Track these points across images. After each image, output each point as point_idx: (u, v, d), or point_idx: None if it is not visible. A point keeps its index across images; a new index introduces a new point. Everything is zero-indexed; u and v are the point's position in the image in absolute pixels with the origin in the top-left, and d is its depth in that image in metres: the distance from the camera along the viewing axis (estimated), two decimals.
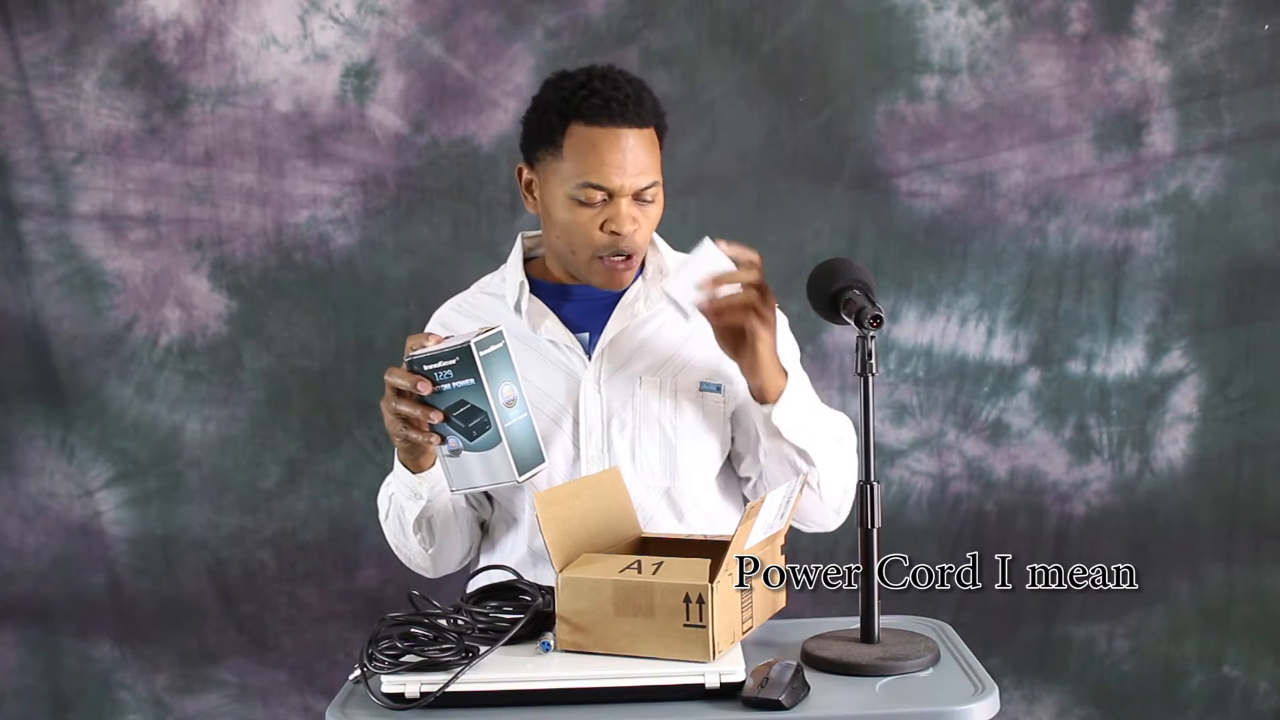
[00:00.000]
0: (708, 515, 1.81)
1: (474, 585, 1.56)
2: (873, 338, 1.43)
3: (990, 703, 1.31)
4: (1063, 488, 2.77)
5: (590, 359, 1.76)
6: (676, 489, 1.77)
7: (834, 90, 2.71)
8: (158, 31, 2.66)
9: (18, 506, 2.71)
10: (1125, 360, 2.76)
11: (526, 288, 1.80)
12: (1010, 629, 2.76)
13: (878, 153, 2.72)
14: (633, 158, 1.68)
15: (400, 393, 1.55)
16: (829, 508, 1.76)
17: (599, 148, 1.67)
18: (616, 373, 1.76)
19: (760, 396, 1.68)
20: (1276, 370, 2.76)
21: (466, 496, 1.77)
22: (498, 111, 2.69)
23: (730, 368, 1.77)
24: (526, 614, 1.41)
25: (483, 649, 1.35)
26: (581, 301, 1.80)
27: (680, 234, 2.65)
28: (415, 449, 1.62)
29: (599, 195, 1.68)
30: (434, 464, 1.64)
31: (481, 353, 1.52)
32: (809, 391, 1.75)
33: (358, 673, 1.34)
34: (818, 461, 1.70)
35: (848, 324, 1.47)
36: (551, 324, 1.78)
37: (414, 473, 1.65)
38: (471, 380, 1.52)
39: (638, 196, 1.70)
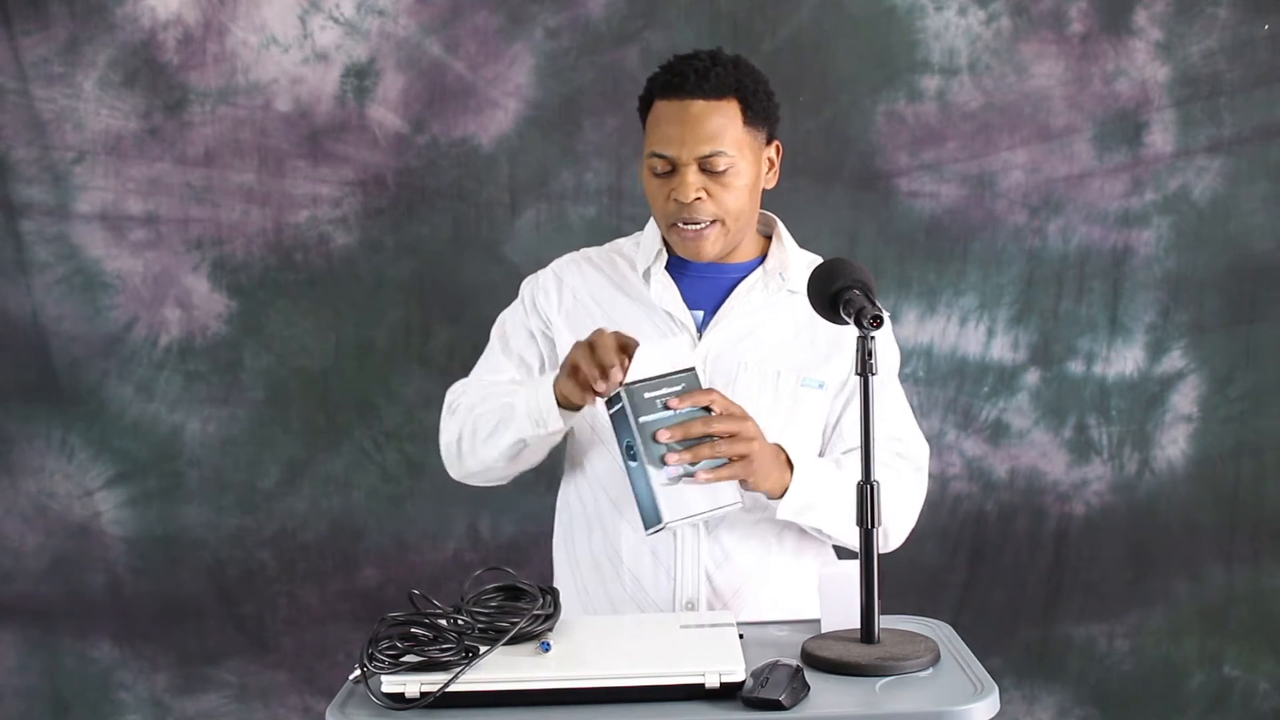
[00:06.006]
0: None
1: (474, 585, 1.56)
2: (873, 338, 1.44)
3: (990, 703, 1.31)
4: (1063, 488, 2.77)
5: (700, 337, 1.79)
6: None
7: (834, 90, 2.71)
8: (158, 31, 2.65)
9: (18, 506, 2.71)
10: (1125, 360, 2.76)
11: (665, 259, 1.83)
12: (1010, 629, 2.76)
13: (878, 153, 2.72)
14: (693, 127, 1.72)
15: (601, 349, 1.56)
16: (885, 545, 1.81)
17: (664, 120, 1.74)
18: (722, 355, 1.78)
19: (769, 496, 1.69)
20: (1276, 370, 2.76)
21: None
22: (498, 111, 2.69)
23: (831, 374, 1.81)
24: (526, 614, 1.41)
25: (483, 649, 1.35)
26: (699, 279, 1.83)
27: None
28: (588, 393, 1.60)
29: (663, 165, 1.74)
30: (582, 407, 1.65)
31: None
32: (827, 474, 1.73)
33: (358, 673, 1.34)
34: (840, 536, 1.75)
35: (848, 324, 1.47)
36: (672, 296, 1.81)
37: (564, 407, 1.65)
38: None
39: (705, 166, 1.73)
